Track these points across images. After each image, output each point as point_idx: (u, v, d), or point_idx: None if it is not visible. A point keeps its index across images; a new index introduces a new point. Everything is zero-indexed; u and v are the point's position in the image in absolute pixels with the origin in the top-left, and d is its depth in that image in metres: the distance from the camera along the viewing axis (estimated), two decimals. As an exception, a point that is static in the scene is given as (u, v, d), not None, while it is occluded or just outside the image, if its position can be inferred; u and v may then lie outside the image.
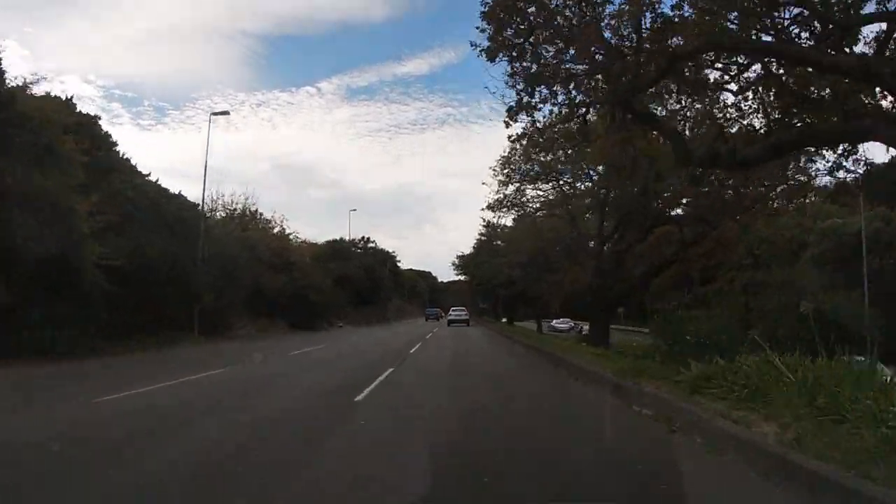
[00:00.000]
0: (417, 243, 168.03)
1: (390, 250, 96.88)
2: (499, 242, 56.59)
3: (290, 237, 46.93)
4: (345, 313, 58.77)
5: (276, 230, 45.54)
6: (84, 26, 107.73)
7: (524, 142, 19.81)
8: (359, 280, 59.65)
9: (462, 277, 79.31)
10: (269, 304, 40.76)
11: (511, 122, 20.71)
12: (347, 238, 66.78)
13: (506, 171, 28.94)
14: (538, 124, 20.03)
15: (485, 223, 58.79)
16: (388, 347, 24.14)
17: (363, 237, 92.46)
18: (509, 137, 20.20)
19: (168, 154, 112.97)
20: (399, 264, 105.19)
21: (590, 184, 28.62)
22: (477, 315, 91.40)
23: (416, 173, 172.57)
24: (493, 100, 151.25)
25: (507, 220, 40.97)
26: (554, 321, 59.45)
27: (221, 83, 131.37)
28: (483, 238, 58.37)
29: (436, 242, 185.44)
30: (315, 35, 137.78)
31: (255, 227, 41.81)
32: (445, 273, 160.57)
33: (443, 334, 37.41)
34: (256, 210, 44.52)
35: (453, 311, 62.24)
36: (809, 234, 47.46)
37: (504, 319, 71.44)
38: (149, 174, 28.33)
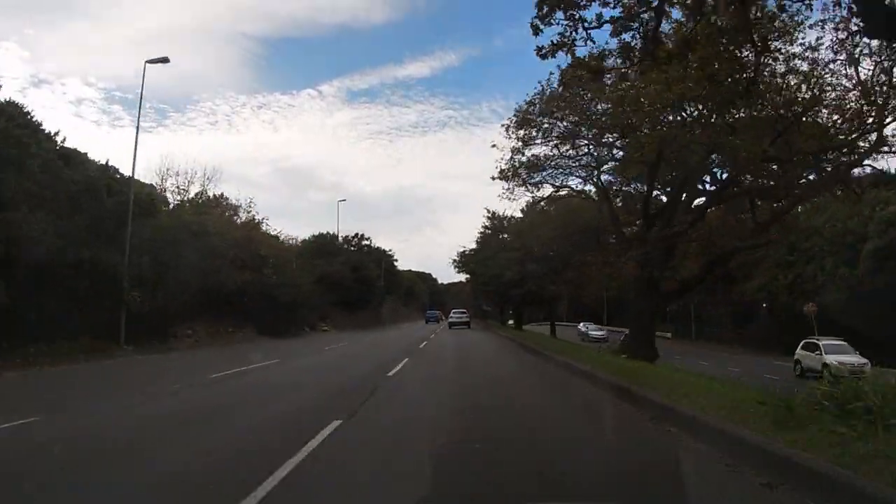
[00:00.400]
0: (418, 245, 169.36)
1: (387, 249, 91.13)
2: (505, 236, 49.80)
3: (262, 226, 39.95)
4: (331, 316, 51.93)
5: (243, 218, 38.55)
6: (84, 28, 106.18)
7: (563, 53, 13.05)
8: (346, 279, 52.79)
9: (464, 278, 72.55)
10: (230, 306, 33.97)
11: (542, 26, 14.07)
12: (337, 233, 59.58)
13: (522, 131, 22.02)
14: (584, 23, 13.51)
15: (489, 214, 52.23)
16: (363, 363, 17.40)
17: (356, 234, 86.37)
18: (538, 50, 13.50)
19: (169, 155, 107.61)
20: (396, 264, 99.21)
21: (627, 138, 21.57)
22: (479, 318, 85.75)
23: (417, 176, 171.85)
24: (493, 102, 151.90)
25: (516, 209, 34.43)
26: (586, 327, 51.92)
27: (222, 85, 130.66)
28: (487, 231, 51.65)
29: (436, 244, 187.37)
30: (316, 37, 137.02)
31: (216, 212, 34.83)
32: (446, 275, 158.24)
33: (441, 341, 30.68)
34: (222, 194, 37.62)
35: (454, 313, 59.28)
36: (868, 223, 40.67)
37: (511, 322, 64.65)
38: (58, 132, 21.58)
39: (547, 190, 26.49)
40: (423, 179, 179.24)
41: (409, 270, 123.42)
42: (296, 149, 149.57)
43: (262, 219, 40.80)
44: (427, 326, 60.47)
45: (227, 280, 31.99)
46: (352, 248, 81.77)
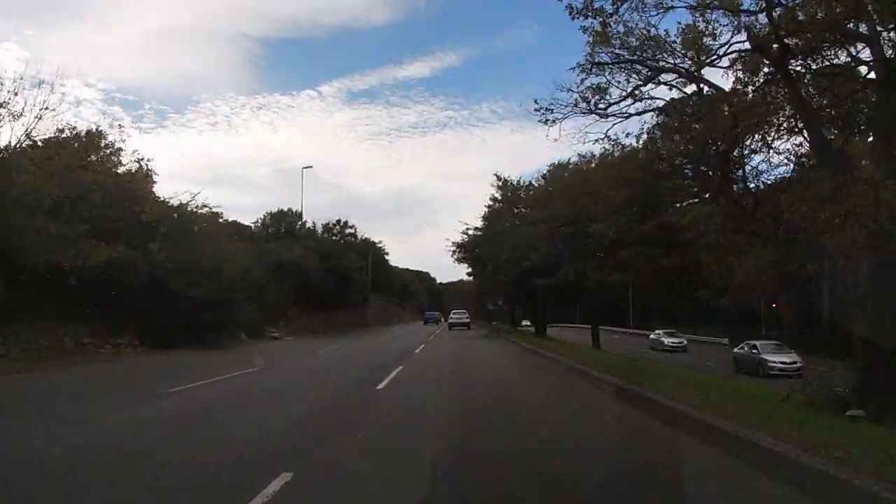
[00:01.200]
0: (418, 246, 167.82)
1: (377, 241, 79.45)
2: (521, 208, 36.81)
3: (152, 179, 26.22)
4: (292, 316, 38.94)
5: (129, 167, 25.04)
6: (85, 29, 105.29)
7: None
8: (313, 269, 39.68)
9: (464, 273, 59.04)
10: (96, 302, 21.12)
11: None
12: (301, 210, 45.87)
13: None
14: None
15: (499, 182, 39.29)
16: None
17: (339, 220, 74.04)
18: None
19: (168, 157, 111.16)
20: (387, 258, 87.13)
21: None
22: (483, 320, 75.65)
23: (417, 176, 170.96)
24: (493, 102, 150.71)
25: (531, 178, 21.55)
26: (754, 347, 28.67)
27: (222, 86, 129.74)
28: (498, 204, 38.63)
29: (437, 246, 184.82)
30: (316, 38, 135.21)
31: (70, 151, 21.20)
32: (445, 274, 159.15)
33: (434, 362, 17.85)
34: (100, 131, 24.14)
35: (454, 314, 57.20)
36: None
37: (526, 323, 51.71)
38: None
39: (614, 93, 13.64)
40: (424, 180, 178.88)
41: (407, 269, 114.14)
42: (296, 150, 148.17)
43: (146, 162, 27.15)
44: (424, 329, 51.40)
45: (78, 259, 19.05)
46: (332, 237, 69.66)
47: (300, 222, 43.34)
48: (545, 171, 35.66)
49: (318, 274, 39.74)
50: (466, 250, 39.64)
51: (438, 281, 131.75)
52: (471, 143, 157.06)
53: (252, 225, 42.94)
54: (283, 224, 42.84)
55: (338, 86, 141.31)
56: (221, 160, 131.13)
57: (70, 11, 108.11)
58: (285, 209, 44.61)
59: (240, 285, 28.16)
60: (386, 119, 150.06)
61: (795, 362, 26.05)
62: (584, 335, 53.55)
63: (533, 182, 37.38)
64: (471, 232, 39.06)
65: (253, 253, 37.86)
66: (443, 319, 69.94)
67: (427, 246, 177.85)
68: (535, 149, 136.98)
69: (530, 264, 27.97)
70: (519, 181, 38.55)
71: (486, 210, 38.60)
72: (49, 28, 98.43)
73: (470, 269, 49.70)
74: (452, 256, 42.31)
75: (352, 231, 75.30)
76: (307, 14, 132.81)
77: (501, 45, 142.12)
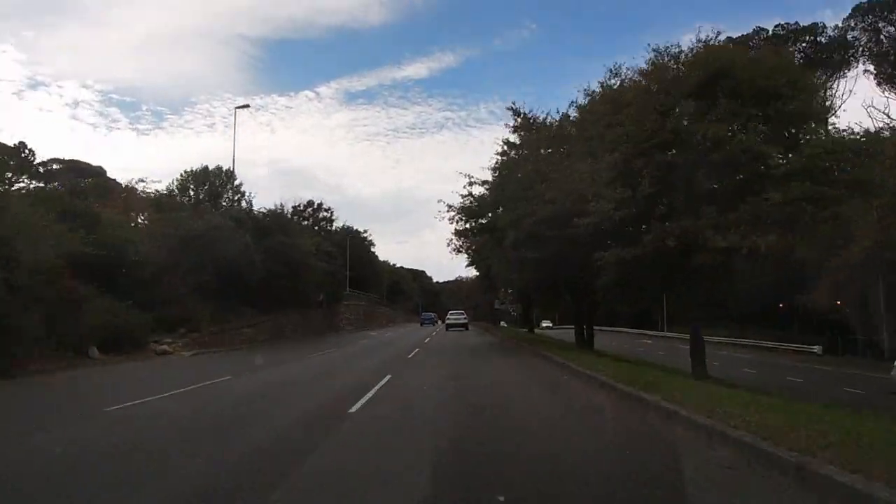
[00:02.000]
0: (416, 248, 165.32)
1: (362, 230, 67.87)
2: (548, 151, 23.85)
3: None
4: (204, 319, 25.97)
5: None
6: (83, 31, 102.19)
7: None
8: (242, 250, 26.63)
9: (466, 265, 45.34)
10: None
11: None
12: (230, 169, 31.64)
13: None
14: None
15: (517, 119, 26.51)
16: None
17: (311, 201, 61.64)
18: None
19: (167, 158, 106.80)
20: (374, 250, 74.94)
21: None
22: (485, 320, 66.90)
23: (416, 177, 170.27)
24: (491, 103, 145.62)
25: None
26: None
27: (220, 87, 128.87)
28: (517, 152, 25.64)
29: (436, 246, 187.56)
30: (314, 39, 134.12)
31: None
32: (443, 273, 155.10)
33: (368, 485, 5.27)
34: None
35: (451, 314, 55.22)
36: None
37: (546, 325, 38.72)
38: None
39: None
40: (422, 181, 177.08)
41: (400, 266, 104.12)
42: (294, 151, 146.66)
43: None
44: (413, 335, 42.11)
45: None
46: (303, 221, 57.32)
47: (231, 185, 29.77)
48: (584, 100, 22.78)
49: (249, 256, 26.77)
50: (468, 216, 26.38)
51: (435, 280, 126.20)
52: (469, 144, 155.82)
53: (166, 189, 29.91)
54: (207, 186, 29.71)
55: (335, 87, 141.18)
56: (219, 162, 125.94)
57: (70, 13, 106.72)
58: (210, 165, 30.95)
59: (58, 271, 15.36)
60: (384, 120, 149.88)
61: None
62: (613, 340, 40.97)
63: (570, 115, 24.56)
64: (477, 190, 25.94)
65: (155, 222, 25.14)
66: (439, 321, 66.15)
67: (426, 247, 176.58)
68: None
69: (589, 224, 15.10)
70: (546, 117, 25.66)
71: (499, 159, 25.59)
72: (48, 29, 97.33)
73: (471, 259, 36.62)
74: (451, 245, 29.05)
75: (327, 216, 62.85)
76: (305, 14, 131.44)
77: (500, 45, 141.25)
